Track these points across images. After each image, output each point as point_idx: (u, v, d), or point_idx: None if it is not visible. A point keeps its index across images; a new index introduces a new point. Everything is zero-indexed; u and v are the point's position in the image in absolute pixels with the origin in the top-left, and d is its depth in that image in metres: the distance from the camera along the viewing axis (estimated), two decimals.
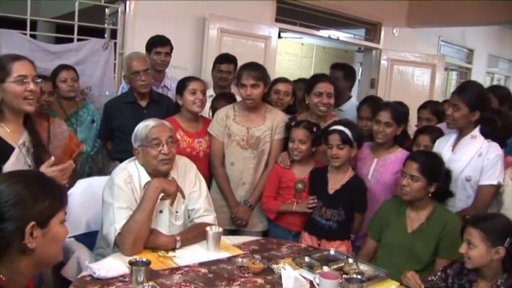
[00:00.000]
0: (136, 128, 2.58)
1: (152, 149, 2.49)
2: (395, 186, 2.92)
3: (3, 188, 1.34)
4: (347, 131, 2.91)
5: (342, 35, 6.91)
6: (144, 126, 2.54)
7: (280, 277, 2.11)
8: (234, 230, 3.27)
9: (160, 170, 2.52)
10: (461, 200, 2.81)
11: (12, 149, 2.24)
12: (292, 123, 3.19)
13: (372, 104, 3.55)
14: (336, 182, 2.97)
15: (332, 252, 2.56)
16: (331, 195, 2.95)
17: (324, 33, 6.71)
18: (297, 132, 3.08)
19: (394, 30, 7.01)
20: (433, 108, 3.71)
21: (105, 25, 4.93)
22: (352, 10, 6.42)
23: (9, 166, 2.20)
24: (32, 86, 2.25)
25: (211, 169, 3.32)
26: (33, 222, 1.32)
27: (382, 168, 3.06)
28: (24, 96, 2.23)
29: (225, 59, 4.23)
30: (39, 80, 2.35)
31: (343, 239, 2.93)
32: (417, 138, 3.27)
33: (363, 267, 2.36)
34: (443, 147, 2.93)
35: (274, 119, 3.27)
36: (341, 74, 4.50)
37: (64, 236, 1.45)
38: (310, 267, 2.29)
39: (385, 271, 2.30)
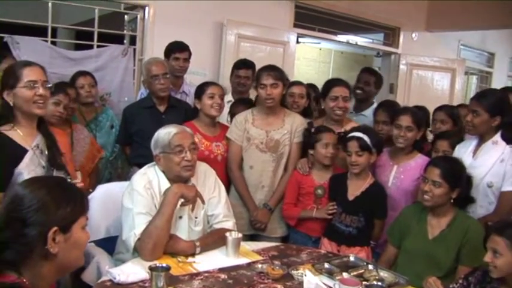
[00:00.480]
0: (156, 134, 2.59)
1: (175, 156, 2.49)
2: (416, 193, 2.89)
3: (26, 193, 1.35)
4: (365, 137, 2.90)
5: (361, 40, 6.87)
6: (166, 133, 2.54)
7: (300, 283, 2.11)
8: (253, 236, 3.27)
9: (183, 177, 2.53)
10: (483, 206, 2.78)
11: (25, 151, 2.29)
12: (312, 129, 3.18)
13: (389, 108, 3.53)
14: (355, 188, 2.95)
15: (352, 258, 2.53)
16: (351, 201, 2.93)
17: (343, 38, 6.68)
18: (327, 136, 3.07)
19: (413, 35, 6.96)
20: (448, 111, 3.67)
21: (125, 31, 4.97)
22: (371, 15, 6.39)
23: (22, 168, 2.26)
24: (41, 91, 2.30)
25: (228, 173, 3.33)
26: (55, 228, 1.33)
27: (403, 175, 3.03)
28: (34, 101, 2.29)
29: (243, 64, 4.24)
30: (50, 85, 2.40)
31: (362, 246, 2.91)
32: (436, 143, 3.24)
33: (383, 273, 2.33)
34: (463, 153, 2.90)
35: (293, 123, 3.28)
36: (372, 79, 4.51)
37: (85, 241, 1.46)
38: (330, 274, 2.27)
39: (405, 278, 2.27)
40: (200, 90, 3.32)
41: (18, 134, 2.31)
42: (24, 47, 3.99)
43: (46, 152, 2.38)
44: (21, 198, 1.35)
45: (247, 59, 4.34)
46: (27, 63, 2.36)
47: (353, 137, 2.92)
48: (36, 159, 2.32)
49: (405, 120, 3.02)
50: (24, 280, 1.33)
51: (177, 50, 4.02)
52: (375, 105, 4.52)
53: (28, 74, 2.29)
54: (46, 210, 1.33)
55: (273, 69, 3.23)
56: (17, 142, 2.29)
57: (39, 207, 1.33)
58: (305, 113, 3.69)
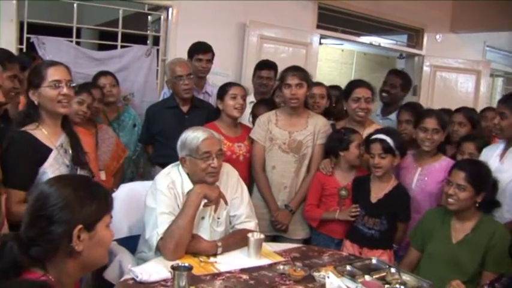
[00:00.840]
0: (184, 137, 2.58)
1: (202, 161, 2.49)
2: (440, 196, 2.86)
3: (52, 191, 1.37)
4: (389, 139, 2.87)
5: (384, 41, 6.81)
6: (195, 137, 2.53)
7: (322, 285, 2.11)
8: (275, 237, 3.26)
9: (207, 182, 2.53)
10: (509, 211, 2.72)
11: (49, 150, 2.32)
12: (343, 130, 3.17)
13: (412, 108, 3.51)
14: (378, 191, 2.92)
15: (374, 261, 2.51)
16: (374, 204, 2.90)
17: (365, 39, 6.63)
18: (360, 137, 3.08)
19: (437, 36, 6.87)
20: (467, 114, 3.60)
21: (148, 32, 5.02)
22: (394, 16, 6.33)
23: (47, 167, 2.28)
24: (65, 90, 2.33)
25: (252, 173, 3.33)
26: (80, 226, 1.35)
27: (427, 177, 3.00)
28: (58, 100, 2.32)
29: (265, 65, 4.24)
30: (74, 85, 2.43)
31: (385, 249, 2.88)
32: (461, 145, 3.19)
33: (406, 277, 2.30)
34: (490, 156, 2.85)
35: (317, 124, 3.27)
36: (399, 81, 4.44)
37: (110, 239, 1.48)
38: (352, 276, 2.25)
39: (428, 282, 2.24)
40: (222, 90, 3.33)
41: (42, 133, 2.33)
42: (49, 47, 4.05)
43: (70, 151, 2.40)
44: (47, 196, 1.37)
45: (269, 60, 4.35)
46: (52, 63, 2.39)
47: (376, 139, 2.90)
48: (60, 158, 2.34)
49: (431, 123, 2.99)
50: (50, 277, 1.34)
51: (201, 51, 4.04)
52: None
53: (53, 74, 2.31)
54: (71, 208, 1.35)
55: (298, 70, 3.24)
56: (42, 141, 2.31)
57: (64, 205, 1.35)
58: (326, 113, 3.68)
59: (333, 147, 3.14)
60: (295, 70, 3.23)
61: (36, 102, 2.33)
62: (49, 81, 2.30)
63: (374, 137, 2.93)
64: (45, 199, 1.36)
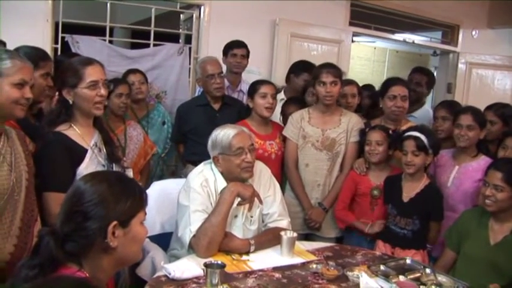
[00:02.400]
0: (214, 136, 2.59)
1: (236, 157, 2.50)
2: (476, 195, 2.80)
3: (87, 188, 1.38)
4: (423, 137, 2.81)
5: (417, 38, 6.70)
6: (225, 135, 2.54)
7: (355, 284, 2.08)
8: (307, 236, 3.25)
9: (243, 178, 2.54)
10: None
11: (85, 150, 2.30)
12: (367, 129, 3.14)
13: (448, 105, 3.44)
14: (410, 190, 2.87)
15: (408, 261, 2.47)
16: (406, 203, 2.85)
17: (399, 36, 6.54)
18: (373, 134, 3.05)
19: (473, 32, 6.70)
20: (497, 111, 3.46)
21: (180, 30, 5.05)
22: (429, 12, 6.20)
23: (83, 168, 2.25)
24: (102, 91, 2.32)
25: (285, 171, 3.32)
26: (115, 222, 1.36)
27: (463, 175, 2.95)
28: (95, 101, 2.31)
29: (304, 69, 4.10)
30: (108, 82, 2.44)
31: (418, 249, 2.82)
32: (504, 140, 3.07)
33: (441, 278, 2.24)
34: None
35: (350, 122, 3.24)
36: (424, 79, 4.36)
37: (144, 235, 1.48)
38: (386, 276, 2.21)
39: (465, 283, 2.18)
40: (252, 88, 3.32)
41: (76, 132, 2.31)
42: (83, 46, 4.10)
43: (104, 150, 2.40)
44: (82, 192, 1.38)
45: (306, 62, 4.23)
46: (88, 61, 2.37)
47: (410, 136, 2.85)
48: (95, 158, 2.33)
49: (465, 119, 2.95)
50: (85, 272, 1.35)
51: (235, 46, 4.03)
52: (426, 106, 4.41)
53: (90, 74, 2.30)
54: (106, 205, 1.36)
55: (332, 67, 3.21)
56: (76, 141, 2.29)
57: (99, 202, 1.36)
58: (356, 111, 3.64)
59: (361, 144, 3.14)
60: (330, 67, 3.20)
61: (70, 101, 2.31)
62: (87, 82, 2.28)
63: (408, 134, 2.88)
64: (81, 195, 1.37)
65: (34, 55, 2.43)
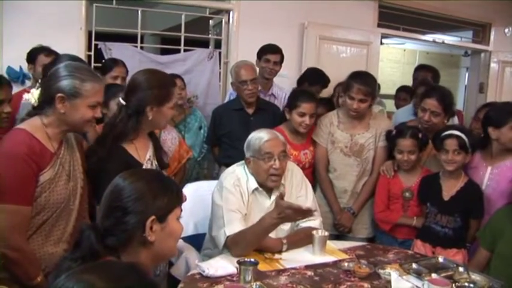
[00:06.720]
0: (249, 138, 2.62)
1: (264, 162, 2.52)
2: (510, 194, 2.75)
3: (126, 184, 1.44)
4: (464, 136, 2.81)
5: (448, 39, 6.61)
6: (258, 138, 2.57)
7: (387, 282, 2.08)
8: (338, 236, 3.24)
9: (268, 186, 2.56)
10: None
11: (140, 165, 2.30)
12: (393, 132, 3.10)
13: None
14: (450, 188, 2.87)
15: (440, 259, 2.45)
16: (447, 201, 2.85)
17: (429, 37, 6.45)
18: (405, 143, 3.01)
19: (506, 30, 6.57)
20: None
21: (210, 35, 5.12)
22: (459, 12, 6.12)
23: None
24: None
25: (316, 175, 3.32)
26: (153, 217, 1.40)
27: (498, 176, 2.89)
28: (169, 119, 2.41)
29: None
30: None
31: (459, 247, 2.82)
32: None
33: (475, 276, 2.22)
34: None
35: (379, 126, 3.23)
36: (430, 75, 4.40)
37: (180, 231, 1.52)
38: (418, 274, 2.21)
39: (500, 282, 2.16)
40: (292, 102, 3.24)
41: (134, 146, 2.31)
42: (116, 53, 4.22)
43: (155, 163, 2.41)
44: (121, 189, 1.43)
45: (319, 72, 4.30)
46: (175, 79, 2.44)
47: (452, 135, 2.84)
48: None
49: None
50: None
51: (269, 51, 3.99)
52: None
53: (175, 93, 2.37)
54: (144, 200, 1.41)
55: (365, 83, 3.11)
56: (134, 156, 2.29)
57: (138, 197, 1.41)
58: None
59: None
60: (362, 83, 3.10)
61: (150, 118, 2.28)
62: (173, 102, 2.34)
63: (449, 132, 2.86)
64: (120, 191, 1.42)
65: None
